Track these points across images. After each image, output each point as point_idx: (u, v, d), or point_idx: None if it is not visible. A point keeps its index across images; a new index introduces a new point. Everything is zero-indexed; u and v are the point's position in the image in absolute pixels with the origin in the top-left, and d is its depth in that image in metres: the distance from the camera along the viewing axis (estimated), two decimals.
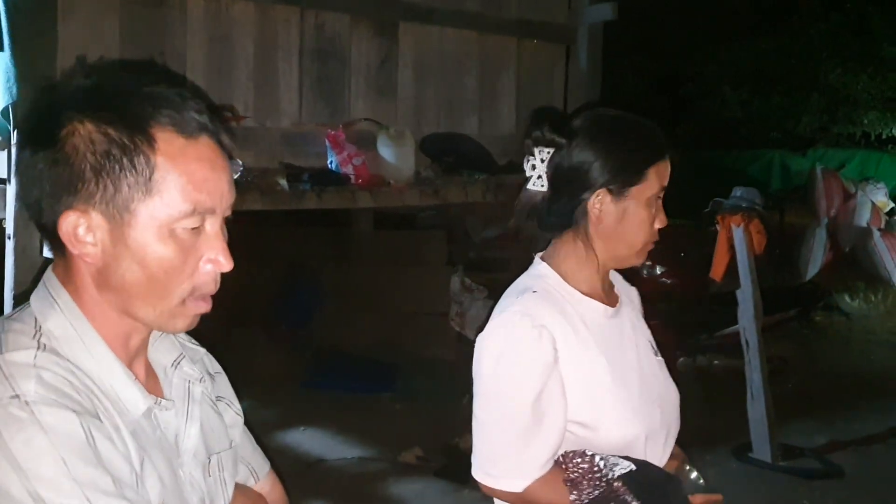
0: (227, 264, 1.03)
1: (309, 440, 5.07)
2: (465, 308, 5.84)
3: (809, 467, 4.77)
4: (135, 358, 1.07)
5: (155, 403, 1.05)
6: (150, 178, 0.96)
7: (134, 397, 1.02)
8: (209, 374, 1.20)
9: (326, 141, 3.43)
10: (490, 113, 4.45)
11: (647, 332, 1.72)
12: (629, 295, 1.74)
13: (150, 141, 0.97)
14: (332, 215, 6.39)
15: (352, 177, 3.38)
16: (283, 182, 3.16)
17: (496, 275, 6.12)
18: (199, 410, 1.12)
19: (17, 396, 0.91)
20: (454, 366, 5.79)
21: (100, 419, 0.96)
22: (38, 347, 0.97)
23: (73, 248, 0.98)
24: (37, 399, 0.91)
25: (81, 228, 0.97)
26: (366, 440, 4.98)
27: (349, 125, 3.60)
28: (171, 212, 0.98)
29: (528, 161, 1.56)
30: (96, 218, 0.97)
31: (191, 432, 1.09)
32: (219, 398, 1.21)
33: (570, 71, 4.77)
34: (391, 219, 6.66)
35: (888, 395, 6.15)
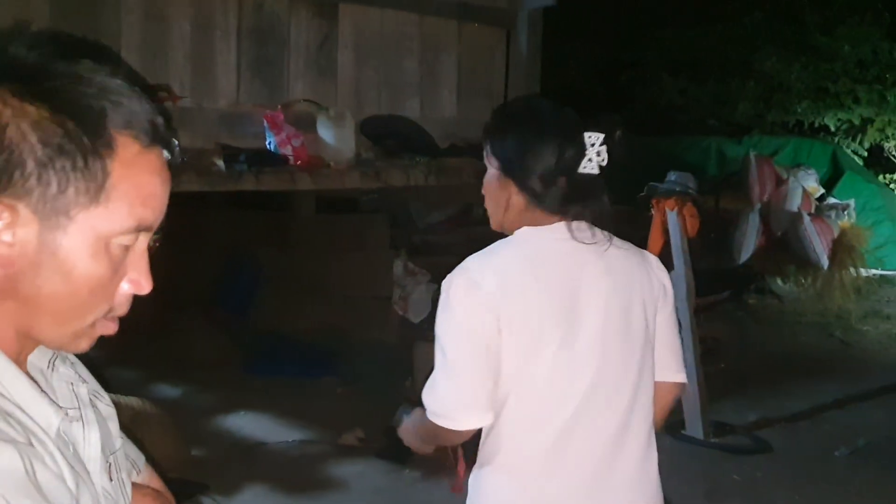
0: (146, 287, 0.93)
1: (249, 424, 5.04)
2: (408, 292, 5.86)
3: (739, 443, 4.92)
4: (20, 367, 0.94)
5: (65, 416, 0.93)
6: (102, 186, 0.85)
7: (46, 414, 0.89)
8: (70, 362, 1.06)
9: (264, 121, 3.40)
10: (431, 96, 4.46)
11: None
12: None
13: (110, 143, 0.85)
14: (273, 198, 6.34)
15: (290, 158, 3.36)
16: (220, 163, 3.12)
17: (439, 258, 6.14)
18: (93, 413, 1.01)
19: None
20: (396, 349, 5.81)
21: (32, 444, 0.85)
22: None
23: None
24: None
25: (1, 223, 0.84)
26: (307, 423, 4.98)
27: (288, 106, 3.57)
28: (114, 226, 0.87)
29: (594, 146, 1.71)
30: (25, 215, 0.84)
31: (92, 439, 0.97)
32: None
33: (511, 55, 4.81)
34: (333, 202, 6.62)
35: (816, 375, 6.37)
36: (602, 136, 1.70)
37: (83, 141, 0.84)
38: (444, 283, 1.67)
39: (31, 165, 0.82)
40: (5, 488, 0.78)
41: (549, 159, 1.69)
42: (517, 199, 1.74)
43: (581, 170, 1.69)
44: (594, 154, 1.70)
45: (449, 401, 1.64)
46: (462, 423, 1.64)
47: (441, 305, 1.66)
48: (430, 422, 1.66)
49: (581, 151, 1.69)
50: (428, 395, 1.67)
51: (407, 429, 1.85)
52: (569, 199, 1.71)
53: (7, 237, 0.84)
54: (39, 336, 0.91)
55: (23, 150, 0.82)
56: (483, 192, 1.82)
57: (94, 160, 0.84)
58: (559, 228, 1.71)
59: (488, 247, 1.73)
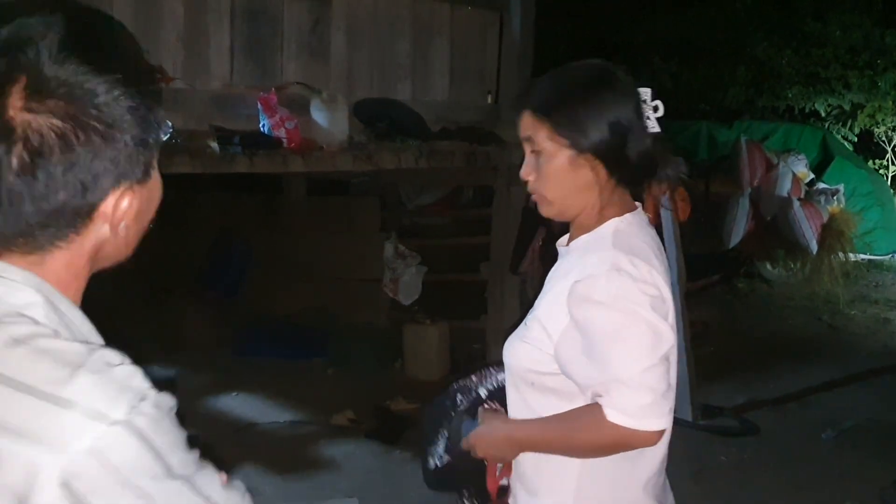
0: None
1: (240, 405, 5.06)
2: (399, 274, 5.87)
3: (727, 425, 4.97)
4: None
5: None
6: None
7: None
8: None
9: (258, 104, 3.39)
10: (423, 78, 4.45)
11: None
12: None
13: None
14: (264, 180, 6.32)
15: (284, 140, 3.36)
16: (214, 145, 3.12)
17: (429, 241, 6.15)
18: None
19: (146, 398, 0.89)
20: (386, 331, 5.84)
21: None
22: (92, 350, 0.89)
23: (114, 228, 0.93)
24: (155, 393, 0.90)
25: (127, 201, 0.93)
26: (298, 404, 5.00)
27: (281, 88, 3.56)
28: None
29: (646, 102, 1.53)
30: (135, 188, 0.94)
31: None
32: None
33: (504, 37, 4.80)
34: (324, 185, 6.61)
35: (803, 357, 6.43)
36: (649, 89, 1.52)
37: (150, 114, 0.93)
38: (621, 288, 1.41)
39: (131, 147, 0.91)
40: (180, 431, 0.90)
41: (637, 126, 1.49)
42: (604, 181, 1.50)
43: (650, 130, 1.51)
44: (650, 110, 1.52)
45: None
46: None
47: (629, 309, 1.41)
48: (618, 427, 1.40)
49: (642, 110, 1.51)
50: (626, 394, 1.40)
51: (511, 436, 1.55)
52: (653, 167, 1.53)
53: (130, 213, 0.94)
54: (108, 263, 0.99)
55: (121, 141, 0.90)
56: (540, 178, 1.52)
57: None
58: (640, 214, 1.55)
59: (613, 241, 1.47)
